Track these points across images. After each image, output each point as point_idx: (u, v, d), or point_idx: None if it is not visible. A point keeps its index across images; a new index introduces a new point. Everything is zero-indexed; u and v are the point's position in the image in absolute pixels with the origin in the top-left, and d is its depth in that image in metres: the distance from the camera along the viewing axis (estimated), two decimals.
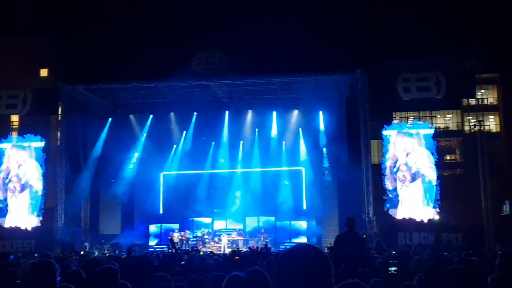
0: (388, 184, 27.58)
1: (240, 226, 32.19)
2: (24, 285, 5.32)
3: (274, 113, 33.37)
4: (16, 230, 29.87)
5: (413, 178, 27.62)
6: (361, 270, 8.14)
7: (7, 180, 30.45)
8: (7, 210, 30.13)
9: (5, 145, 30.72)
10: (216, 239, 30.83)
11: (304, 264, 2.48)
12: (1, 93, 31.31)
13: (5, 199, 30.32)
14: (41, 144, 30.49)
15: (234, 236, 30.64)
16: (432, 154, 27.65)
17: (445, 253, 16.81)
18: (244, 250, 24.65)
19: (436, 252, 13.53)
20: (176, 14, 33.10)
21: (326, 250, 24.93)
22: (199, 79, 29.99)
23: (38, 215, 30.05)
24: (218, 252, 26.49)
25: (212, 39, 30.16)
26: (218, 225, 32.82)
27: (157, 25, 32.52)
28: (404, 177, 27.72)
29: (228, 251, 27.62)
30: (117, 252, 28.30)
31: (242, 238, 30.66)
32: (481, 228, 27.39)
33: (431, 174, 27.52)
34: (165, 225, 32.55)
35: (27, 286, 5.14)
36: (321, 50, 28.43)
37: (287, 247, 16.70)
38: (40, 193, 30.20)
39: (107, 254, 25.55)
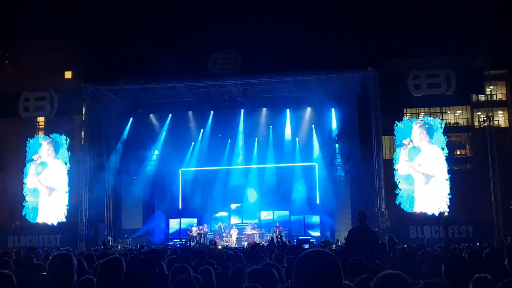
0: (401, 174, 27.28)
1: (255, 221, 32.02)
2: (47, 277, 5.33)
3: (288, 111, 33.15)
4: (42, 226, 30.12)
5: (427, 174, 27.23)
6: (372, 265, 7.87)
7: (36, 181, 30.65)
8: (37, 208, 30.34)
9: (33, 145, 30.95)
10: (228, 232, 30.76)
11: (318, 266, 2.85)
12: (28, 95, 31.53)
13: (33, 196, 30.52)
14: (66, 143, 30.68)
15: (250, 229, 30.48)
16: (443, 149, 27.29)
17: (455, 245, 16.44)
18: (261, 243, 24.47)
19: (449, 245, 13.17)
20: (192, 17, 32.93)
21: (339, 243, 24.69)
22: (216, 79, 29.85)
23: (63, 211, 30.22)
24: (235, 245, 26.38)
25: (227, 40, 29.84)
26: (234, 219, 32.72)
27: (174, 28, 32.35)
28: (415, 170, 27.38)
29: (243, 243, 27.52)
30: (138, 246, 28.26)
31: (258, 232, 30.51)
32: (490, 221, 26.91)
33: (442, 169, 27.12)
34: (184, 220, 32.47)
35: (49, 278, 5.20)
36: (333, 49, 28.00)
37: (300, 238, 16.50)
38: (65, 190, 30.38)
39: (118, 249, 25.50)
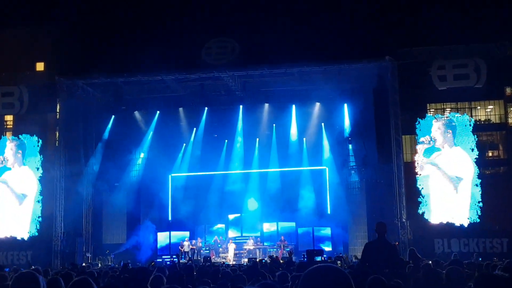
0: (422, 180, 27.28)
1: (257, 234, 31.99)
2: None
3: (293, 107, 33.20)
4: (10, 240, 30.04)
5: (451, 177, 27.23)
6: (393, 284, 7.82)
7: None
8: (2, 221, 30.29)
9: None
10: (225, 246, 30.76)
11: (328, 283, 2.77)
12: None
13: (1, 206, 30.50)
14: (38, 145, 30.64)
15: (251, 244, 30.44)
16: (472, 150, 27.25)
17: (488, 261, 16.37)
18: (262, 259, 24.43)
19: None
20: (183, 1, 32.92)
21: (354, 260, 24.64)
22: (210, 71, 29.85)
23: (35, 224, 30.18)
24: (234, 262, 26.31)
25: (224, 27, 29.82)
26: (232, 232, 32.70)
27: (163, 12, 32.32)
28: (440, 175, 27.37)
29: (243, 260, 27.46)
30: (122, 263, 28.22)
31: (260, 247, 30.48)
32: None
33: (471, 173, 27.08)
34: (175, 233, 32.44)
35: None
36: (345, 36, 27.97)
37: (309, 250, 16.37)
38: (37, 199, 30.33)
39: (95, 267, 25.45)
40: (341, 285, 2.77)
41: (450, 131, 27.59)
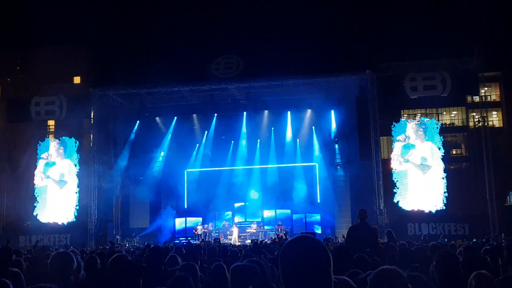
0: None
1: (258, 219, 31.96)
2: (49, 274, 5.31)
3: (289, 113, 33.21)
4: (53, 225, 30.12)
5: (423, 166, 27.12)
6: (372, 260, 7.82)
7: (45, 179, 30.72)
8: (47, 208, 30.36)
9: (43, 148, 31.03)
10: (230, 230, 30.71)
11: (304, 252, 2.47)
12: (39, 100, 31.53)
13: (43, 197, 30.57)
14: (76, 145, 30.74)
15: (254, 228, 30.41)
16: (439, 148, 27.20)
17: (452, 242, 16.35)
18: (262, 240, 24.41)
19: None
20: (196, 23, 32.96)
21: (340, 240, 24.61)
22: (219, 83, 29.83)
23: (73, 211, 30.26)
24: (239, 243, 26.28)
25: (230, 46, 29.80)
26: (238, 218, 32.68)
27: (178, 34, 32.35)
28: (414, 169, 27.30)
29: (247, 241, 27.44)
30: (145, 243, 28.23)
31: (261, 230, 30.45)
32: (486, 218, 26.80)
33: (438, 166, 27.04)
34: (190, 219, 32.44)
35: (51, 275, 5.17)
36: (332, 53, 27.94)
37: (304, 232, 16.28)
38: (75, 190, 30.43)
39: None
40: (316, 250, 2.48)
41: (421, 129, 27.49)
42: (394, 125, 28.04)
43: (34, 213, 30.39)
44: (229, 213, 32.83)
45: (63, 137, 31.09)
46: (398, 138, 27.64)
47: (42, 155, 30.88)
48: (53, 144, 31.01)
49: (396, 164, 27.44)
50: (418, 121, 28.25)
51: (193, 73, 29.53)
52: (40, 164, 30.80)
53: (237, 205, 33.10)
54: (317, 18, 31.24)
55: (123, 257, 5.23)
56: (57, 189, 30.56)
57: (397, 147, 27.63)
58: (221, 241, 26.56)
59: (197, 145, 34.56)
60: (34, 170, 30.84)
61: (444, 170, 27.06)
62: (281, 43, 28.56)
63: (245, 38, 29.39)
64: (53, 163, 30.78)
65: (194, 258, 7.63)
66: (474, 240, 20.00)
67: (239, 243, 26.57)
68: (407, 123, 27.81)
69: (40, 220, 30.29)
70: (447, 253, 6.36)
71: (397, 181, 27.44)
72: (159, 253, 7.29)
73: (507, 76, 37.85)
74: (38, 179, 30.68)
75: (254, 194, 33.26)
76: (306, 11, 31.28)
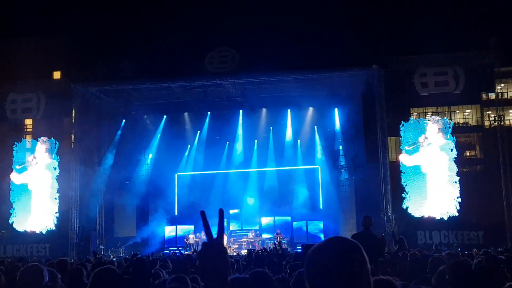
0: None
1: (256, 227, 32.05)
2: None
3: (289, 111, 33.30)
4: (31, 234, 30.13)
5: (432, 174, 27.36)
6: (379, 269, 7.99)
7: (22, 184, 30.76)
8: (24, 216, 30.38)
9: (20, 149, 31.05)
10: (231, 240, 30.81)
11: (340, 255, 2.33)
12: (15, 97, 31.62)
13: (20, 203, 30.60)
14: (55, 147, 30.75)
15: (251, 236, 30.54)
16: (452, 150, 27.38)
17: (466, 252, 16.56)
18: (259, 250, 24.54)
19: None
20: (187, 13, 33.04)
21: None
22: (213, 79, 29.90)
23: (52, 219, 30.27)
24: (235, 254, 26.41)
25: (225, 38, 29.96)
26: (233, 226, 32.75)
27: (168, 24, 32.47)
28: (423, 172, 27.52)
29: (243, 251, 27.59)
30: (132, 254, 28.31)
31: (259, 239, 30.56)
32: (502, 225, 27.03)
33: (451, 171, 27.24)
34: (181, 227, 32.49)
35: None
36: (336, 46, 28.12)
37: (305, 244, 16.29)
38: (54, 196, 30.42)
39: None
40: (352, 251, 2.37)
41: (441, 130, 27.61)
42: (403, 125, 28.23)
43: (10, 221, 30.40)
44: (224, 220, 32.90)
45: (41, 138, 31.06)
46: (419, 139, 27.66)
47: (19, 158, 30.88)
48: (30, 145, 31.01)
49: (406, 167, 27.59)
50: (428, 120, 28.43)
51: (184, 68, 29.60)
52: (17, 167, 30.80)
53: (232, 211, 33.17)
54: (320, 8, 31.45)
55: (109, 269, 5.40)
56: (35, 195, 30.56)
57: (408, 149, 27.75)
58: None
59: (189, 146, 34.62)
60: (10, 174, 30.84)
61: (457, 173, 27.26)
62: (281, 35, 28.76)
63: (242, 30, 29.62)
64: (31, 168, 30.76)
65: (184, 270, 7.73)
66: (490, 249, 20.23)
67: (234, 253, 26.71)
68: (419, 124, 27.95)
69: (17, 229, 30.31)
70: (462, 263, 6.51)
71: (406, 185, 27.63)
72: (144, 264, 7.43)
73: None
74: (14, 184, 30.68)
75: (250, 201, 33.36)
76: (308, 3, 31.49)
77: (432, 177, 27.40)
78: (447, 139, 27.48)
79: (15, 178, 30.71)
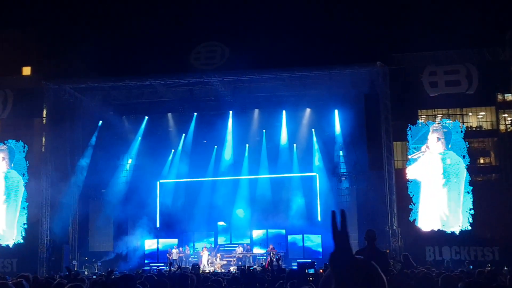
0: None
1: (247, 241, 31.88)
2: None
3: (284, 112, 33.30)
4: None
5: (442, 184, 27.27)
6: None
7: None
8: None
9: None
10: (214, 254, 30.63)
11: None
12: None
13: None
14: (24, 151, 30.43)
15: (239, 252, 30.30)
16: (464, 157, 27.30)
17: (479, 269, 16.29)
18: (250, 266, 24.24)
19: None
20: (172, 4, 32.82)
21: None
22: (199, 76, 29.82)
23: (20, 231, 29.92)
24: (209, 270, 26.24)
25: (213, 31, 29.77)
26: (221, 240, 32.59)
27: (151, 15, 32.22)
28: (432, 182, 27.41)
29: (214, 268, 27.47)
30: (108, 270, 27.93)
31: (250, 254, 30.35)
32: None
33: (462, 180, 27.13)
34: (163, 240, 32.23)
35: None
36: (336, 41, 27.97)
37: (301, 262, 16.08)
38: (22, 205, 30.10)
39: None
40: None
41: (443, 137, 27.64)
42: (410, 128, 28.13)
43: None
44: (211, 233, 32.70)
45: (8, 140, 30.81)
46: (421, 149, 27.59)
47: None
48: None
49: (412, 176, 27.53)
50: (438, 123, 28.38)
51: (168, 64, 29.42)
52: None
53: (220, 224, 32.99)
54: (318, 0, 31.33)
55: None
56: None
57: (414, 157, 27.72)
58: (202, 267, 26.38)
59: (173, 150, 34.54)
60: None
61: (469, 182, 27.15)
62: (275, 28, 28.59)
63: (232, 22, 29.38)
64: None
65: None
66: (506, 268, 20.02)
67: (212, 270, 26.57)
68: (429, 128, 27.89)
69: None
70: (475, 283, 6.27)
71: (414, 195, 27.48)
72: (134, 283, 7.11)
73: None
74: None
75: (240, 213, 33.20)
76: None
77: (441, 187, 27.26)
78: (452, 146, 27.43)
79: None
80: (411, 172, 27.69)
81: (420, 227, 27.21)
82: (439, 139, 27.69)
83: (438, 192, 27.35)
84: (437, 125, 28.16)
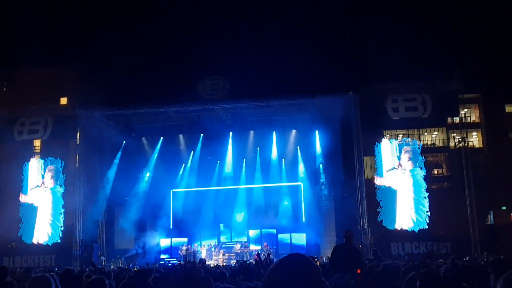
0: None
1: (244, 239, 31.81)
2: None
3: (274, 133, 33.29)
4: (37, 246, 29.59)
5: (409, 193, 27.28)
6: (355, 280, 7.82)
7: (31, 200, 30.28)
8: (32, 230, 29.85)
9: (29, 168, 30.64)
10: (222, 251, 30.47)
11: (295, 269, 2.38)
12: (24, 120, 31.23)
13: (28, 218, 30.09)
14: (61, 166, 30.41)
15: (238, 248, 30.23)
16: (421, 168, 27.41)
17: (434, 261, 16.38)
18: (247, 260, 24.22)
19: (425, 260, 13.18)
20: (182, 46, 33.17)
21: (325, 260, 24.54)
22: (205, 104, 29.96)
23: (57, 232, 29.80)
24: (224, 264, 26.09)
25: (216, 67, 30.18)
26: (224, 238, 32.47)
27: (165, 55, 32.56)
28: (401, 191, 27.44)
29: (232, 262, 27.28)
30: (130, 265, 27.87)
31: (247, 250, 30.27)
32: (467, 237, 26.97)
33: (420, 187, 27.23)
34: (175, 239, 32.12)
35: None
36: (316, 75, 28.44)
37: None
38: (60, 211, 30.00)
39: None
40: (306, 266, 2.38)
41: (412, 155, 27.66)
42: (377, 145, 28.28)
43: (19, 234, 29.85)
44: (215, 232, 32.60)
45: (49, 158, 30.72)
46: (393, 165, 27.56)
47: (28, 176, 30.46)
48: (38, 164, 30.63)
49: (380, 180, 27.56)
50: (400, 141, 28.54)
51: (179, 94, 29.66)
52: (25, 184, 30.36)
53: (222, 225, 32.90)
54: (302, 42, 31.74)
55: (100, 280, 5.25)
56: (42, 210, 30.08)
57: (381, 169, 27.72)
58: (207, 262, 26.33)
59: (183, 165, 34.43)
60: (20, 191, 30.36)
61: (426, 189, 27.24)
62: (267, 65, 29.01)
63: (231, 61, 29.73)
64: (38, 184, 30.34)
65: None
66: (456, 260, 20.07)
67: (216, 264, 26.50)
68: (391, 144, 27.95)
69: (25, 241, 29.75)
70: (431, 272, 6.38)
71: (381, 200, 27.55)
72: (145, 277, 7.20)
73: (485, 98, 38.57)
74: (23, 200, 30.20)
75: (239, 217, 33.16)
76: (291, 35, 31.75)
77: (402, 193, 27.32)
78: (417, 163, 27.45)
79: (24, 198, 30.22)
80: (386, 182, 27.53)
81: (386, 226, 27.23)
82: (410, 158, 27.71)
83: (404, 198, 27.32)
84: (407, 147, 28.08)
